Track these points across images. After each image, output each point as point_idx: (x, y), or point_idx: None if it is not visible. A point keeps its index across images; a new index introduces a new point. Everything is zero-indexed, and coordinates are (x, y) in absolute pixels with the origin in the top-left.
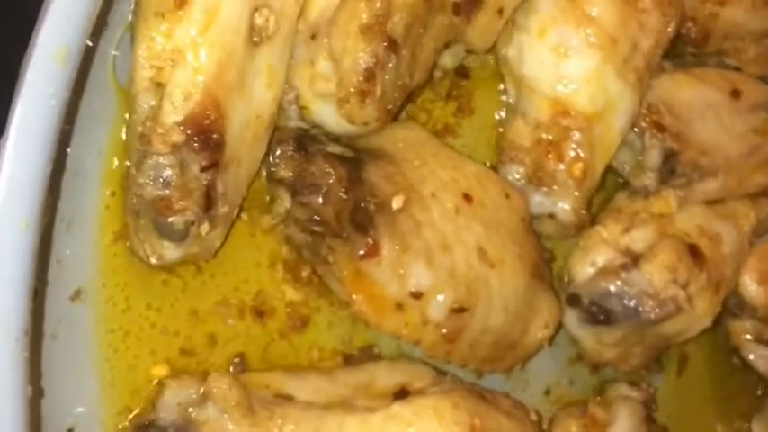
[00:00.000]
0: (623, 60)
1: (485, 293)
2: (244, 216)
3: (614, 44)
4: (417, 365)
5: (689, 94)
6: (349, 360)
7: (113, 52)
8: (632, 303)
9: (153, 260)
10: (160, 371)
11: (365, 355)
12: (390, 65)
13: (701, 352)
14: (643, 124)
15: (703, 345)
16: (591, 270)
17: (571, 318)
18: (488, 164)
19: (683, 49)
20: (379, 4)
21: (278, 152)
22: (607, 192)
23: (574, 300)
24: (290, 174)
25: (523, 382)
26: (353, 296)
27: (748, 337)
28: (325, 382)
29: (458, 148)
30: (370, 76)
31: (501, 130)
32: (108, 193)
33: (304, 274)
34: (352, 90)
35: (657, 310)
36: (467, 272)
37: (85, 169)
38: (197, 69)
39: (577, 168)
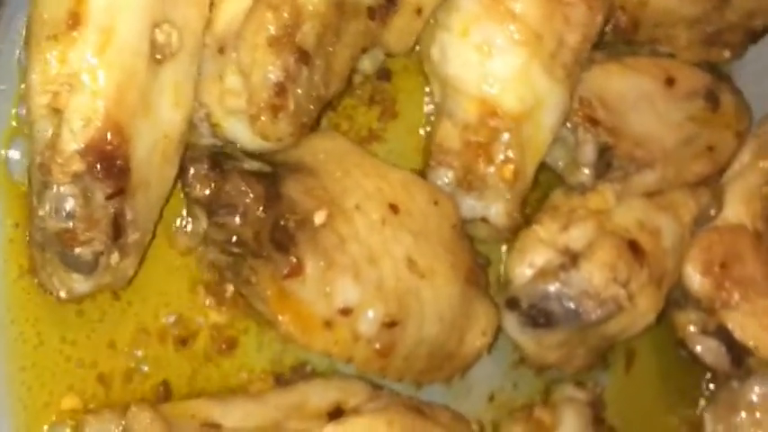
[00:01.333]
0: (550, 56)
1: (416, 305)
2: (159, 239)
3: (540, 40)
4: (352, 382)
5: (621, 84)
6: (280, 381)
7: None
8: (572, 305)
9: (62, 294)
10: (70, 402)
11: (297, 375)
12: (302, 77)
13: (648, 346)
14: (575, 119)
15: (650, 339)
16: (529, 272)
17: (511, 322)
18: (417, 168)
19: (615, 39)
20: (286, 15)
21: (192, 171)
22: (543, 189)
23: (512, 303)
24: (206, 193)
25: (465, 390)
26: (279, 317)
27: (693, 328)
28: (255, 406)
29: (384, 155)
30: (280, 90)
31: (428, 132)
32: (11, 224)
33: (227, 295)
34: (262, 106)
35: (598, 310)
36: (396, 284)
37: None
38: (96, 93)
39: (508, 170)
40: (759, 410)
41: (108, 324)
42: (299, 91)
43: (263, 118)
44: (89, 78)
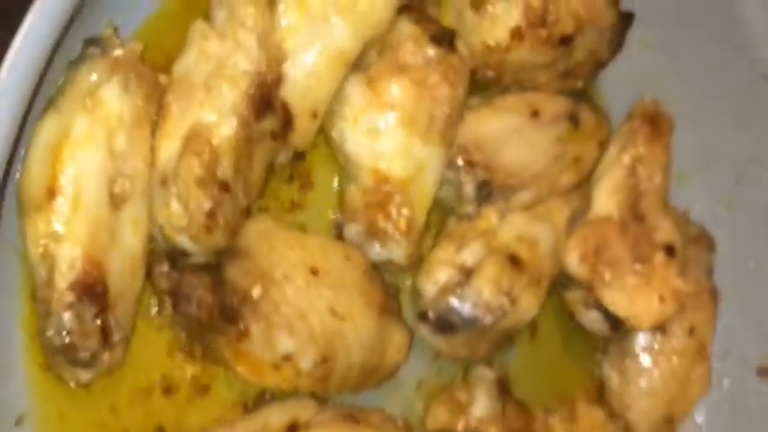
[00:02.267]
0: (425, 130)
1: (341, 342)
2: (140, 323)
3: (414, 121)
4: (302, 400)
5: (493, 126)
6: (247, 409)
7: None
8: (469, 314)
9: (72, 384)
10: None
11: (260, 401)
12: (227, 200)
13: (549, 318)
14: (457, 163)
15: (549, 311)
16: (435, 288)
17: (424, 330)
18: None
19: (486, 86)
20: (207, 157)
21: (156, 270)
22: (443, 212)
23: (423, 316)
24: (167, 287)
25: (396, 384)
26: (238, 368)
27: (578, 304)
28: None
29: (306, 219)
30: (210, 214)
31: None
32: (27, 338)
33: (197, 353)
34: (199, 227)
35: (489, 316)
36: (323, 331)
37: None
38: (74, 242)
39: (402, 223)
40: (641, 358)
41: (108, 393)
42: (226, 210)
43: (200, 236)
44: (67, 232)
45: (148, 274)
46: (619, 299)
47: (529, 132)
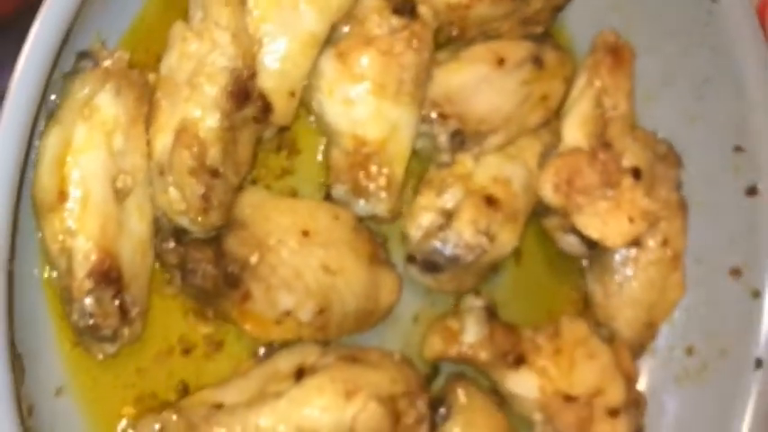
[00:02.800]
0: (395, 94)
1: (336, 294)
2: (154, 294)
3: (384, 88)
4: (306, 345)
5: (461, 78)
6: (258, 358)
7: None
8: (451, 254)
9: (100, 356)
10: (129, 410)
11: (269, 350)
12: (218, 184)
13: (532, 243)
14: (431, 117)
15: (532, 237)
16: (419, 232)
17: (413, 271)
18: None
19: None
20: (196, 149)
21: (164, 247)
22: (424, 161)
23: (411, 258)
24: (175, 261)
25: (394, 320)
26: (245, 326)
27: (556, 229)
28: (245, 382)
29: (297, 183)
30: (205, 198)
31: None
32: (58, 319)
33: (209, 314)
34: (196, 210)
35: (470, 255)
36: (318, 286)
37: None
38: (87, 236)
39: (383, 181)
40: (621, 271)
41: (134, 357)
42: (218, 192)
43: (198, 218)
44: (80, 227)
45: (157, 252)
46: (592, 223)
47: (496, 79)
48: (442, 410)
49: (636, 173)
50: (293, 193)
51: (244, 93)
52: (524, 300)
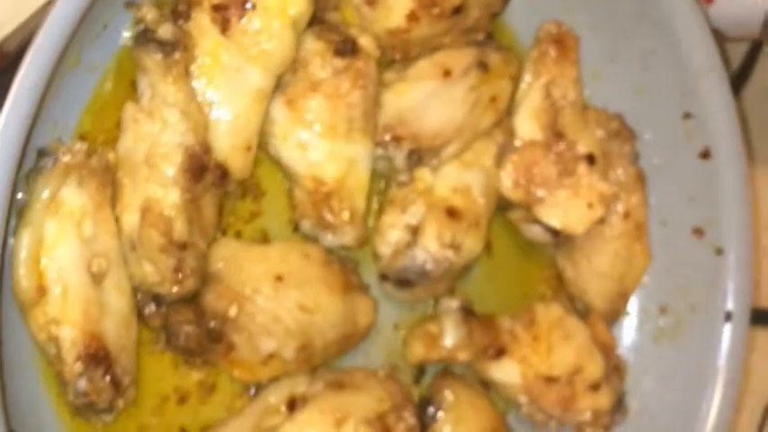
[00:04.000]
0: (346, 132)
1: (315, 329)
2: (143, 354)
3: (335, 128)
4: (294, 377)
5: (410, 98)
6: (251, 394)
7: None
8: (420, 270)
9: (99, 425)
10: None
11: (259, 387)
12: (188, 253)
13: (500, 234)
14: (384, 141)
15: (499, 228)
16: (388, 250)
17: (388, 288)
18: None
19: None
20: (162, 227)
21: (146, 312)
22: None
23: (384, 277)
24: (159, 323)
25: (375, 332)
26: (233, 373)
27: (521, 221)
28: (241, 420)
29: (267, 223)
30: (177, 270)
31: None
32: (54, 395)
33: (198, 362)
34: (169, 282)
35: (438, 268)
36: (297, 325)
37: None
38: (71, 324)
39: (346, 215)
40: (588, 248)
41: (133, 417)
42: (190, 260)
43: (173, 289)
44: (63, 317)
45: (140, 316)
46: (553, 213)
47: (444, 92)
48: (431, 410)
49: (590, 158)
50: (264, 234)
51: (200, 168)
52: (499, 288)
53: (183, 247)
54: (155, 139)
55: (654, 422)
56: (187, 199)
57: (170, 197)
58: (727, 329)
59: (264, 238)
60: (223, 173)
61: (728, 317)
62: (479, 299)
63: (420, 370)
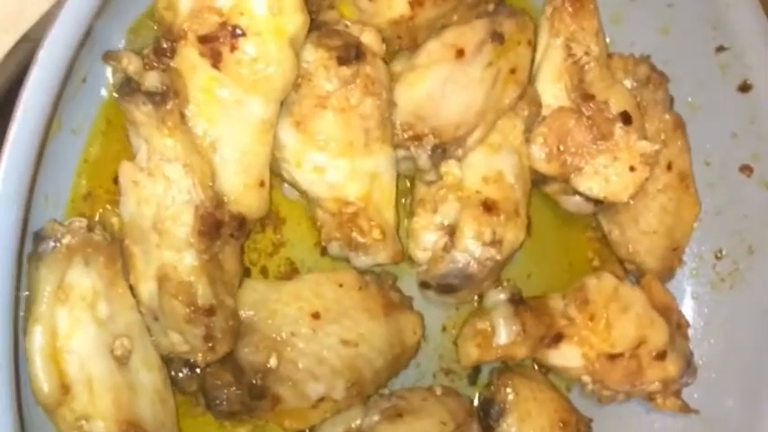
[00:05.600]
0: (364, 146)
1: (362, 362)
2: (184, 418)
3: (351, 144)
4: (350, 410)
5: (424, 87)
6: None
7: None
8: (464, 273)
9: None
10: None
11: (312, 428)
12: (216, 317)
13: (538, 209)
14: (404, 141)
15: (536, 202)
16: (425, 253)
17: (430, 294)
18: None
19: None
20: (184, 295)
21: (180, 378)
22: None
23: (425, 285)
24: (195, 387)
25: (423, 341)
26: (284, 425)
27: (560, 194)
28: None
29: (292, 251)
30: (208, 336)
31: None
32: None
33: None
34: (203, 352)
35: (483, 268)
36: (342, 362)
37: None
38: (103, 416)
39: (375, 232)
40: (632, 206)
41: None
42: (219, 323)
43: (208, 357)
44: (93, 411)
45: (174, 383)
46: (593, 182)
47: (459, 74)
48: (494, 412)
49: (625, 117)
50: (291, 264)
51: (214, 226)
52: (545, 264)
53: (210, 312)
54: (160, 200)
55: (720, 377)
56: (204, 260)
57: (186, 261)
58: None
59: (292, 268)
60: (240, 222)
61: None
62: (525, 280)
63: (475, 369)
